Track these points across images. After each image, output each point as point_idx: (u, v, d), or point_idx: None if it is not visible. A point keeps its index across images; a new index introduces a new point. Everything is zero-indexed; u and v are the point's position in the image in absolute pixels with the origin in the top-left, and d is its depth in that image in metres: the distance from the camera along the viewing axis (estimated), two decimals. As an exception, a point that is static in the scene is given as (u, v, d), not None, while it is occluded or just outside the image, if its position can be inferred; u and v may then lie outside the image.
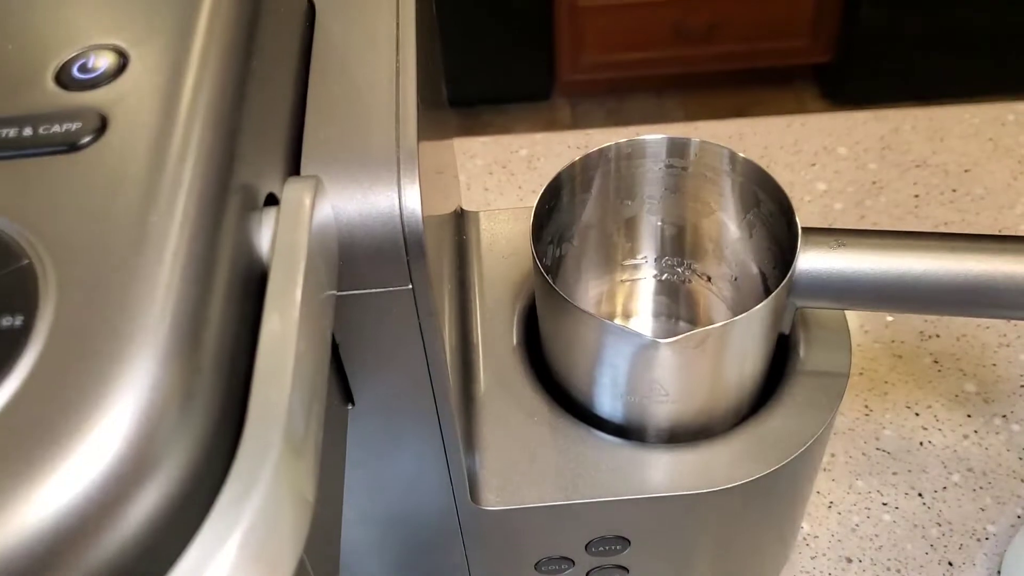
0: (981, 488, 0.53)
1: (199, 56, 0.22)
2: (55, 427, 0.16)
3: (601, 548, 0.39)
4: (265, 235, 0.22)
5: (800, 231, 0.35)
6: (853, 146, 0.72)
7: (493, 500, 0.36)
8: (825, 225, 0.60)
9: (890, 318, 0.60)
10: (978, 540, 0.51)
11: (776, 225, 0.38)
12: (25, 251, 0.18)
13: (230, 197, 0.21)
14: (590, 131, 0.78)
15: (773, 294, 0.34)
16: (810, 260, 0.35)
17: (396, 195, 0.25)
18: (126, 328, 0.17)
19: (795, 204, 0.43)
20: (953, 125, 0.74)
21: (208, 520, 0.17)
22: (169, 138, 0.20)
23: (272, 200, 0.23)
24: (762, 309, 0.34)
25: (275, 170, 0.25)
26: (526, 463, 0.37)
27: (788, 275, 0.34)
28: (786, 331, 0.39)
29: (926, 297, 0.35)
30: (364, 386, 0.30)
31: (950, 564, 0.50)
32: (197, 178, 0.20)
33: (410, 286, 0.26)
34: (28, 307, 0.17)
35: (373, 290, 0.26)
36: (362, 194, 0.25)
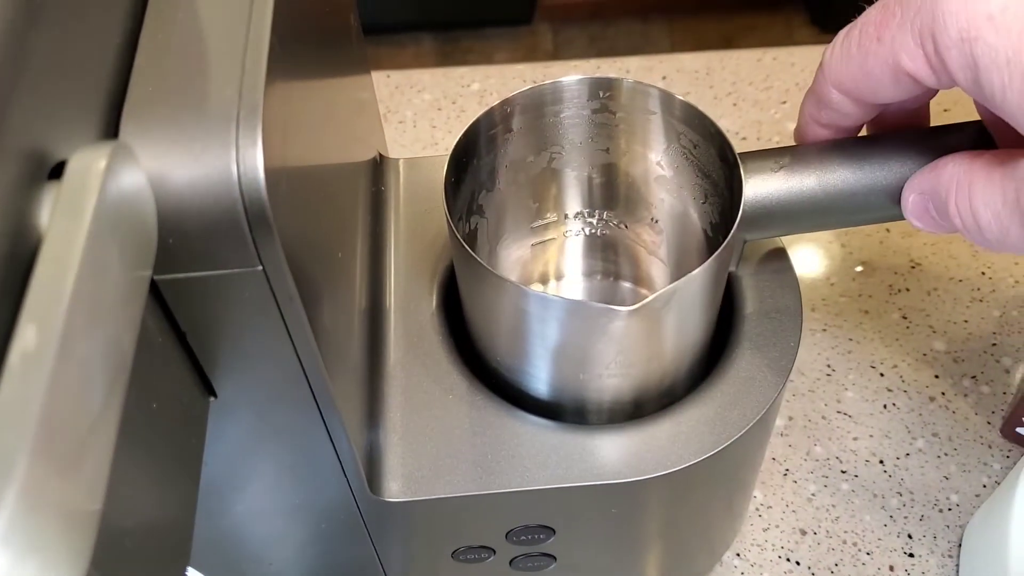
0: (946, 455, 0.49)
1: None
2: None
3: (524, 537, 0.35)
4: (46, 216, 0.18)
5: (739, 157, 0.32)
6: (828, 81, 0.67)
7: (397, 491, 0.32)
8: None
9: (859, 269, 0.56)
10: (940, 511, 0.48)
11: (703, 156, 0.34)
12: None
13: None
14: (550, 63, 0.72)
15: (732, 231, 0.30)
16: (753, 187, 0.32)
17: (233, 159, 0.21)
18: None
19: (761, 146, 0.39)
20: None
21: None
22: None
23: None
24: (724, 251, 0.30)
25: (81, 132, 0.20)
26: (438, 447, 0.34)
27: (740, 206, 0.31)
28: (734, 268, 0.36)
29: (876, 204, 0.32)
30: (226, 377, 0.26)
31: (909, 537, 0.47)
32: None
33: (260, 267, 0.22)
34: None
35: (215, 272, 0.22)
36: (193, 159, 0.21)
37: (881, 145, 0.32)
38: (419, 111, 0.67)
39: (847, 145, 0.32)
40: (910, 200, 0.31)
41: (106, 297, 0.18)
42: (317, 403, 0.27)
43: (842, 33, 0.29)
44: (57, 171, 0.19)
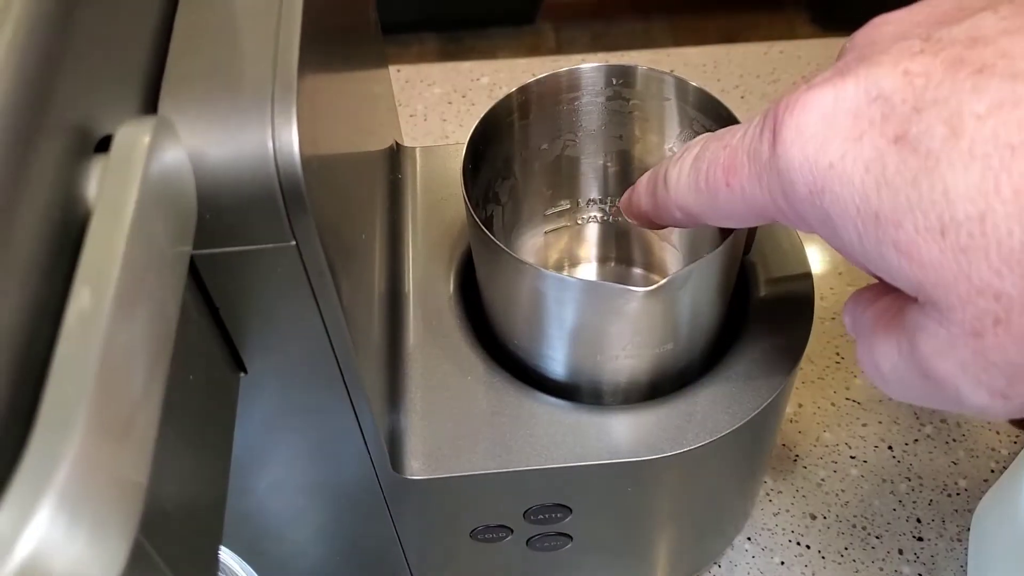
0: (954, 440, 0.50)
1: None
2: None
3: (541, 516, 0.36)
4: (93, 188, 0.18)
5: None
6: (834, 75, 0.67)
7: (418, 469, 0.33)
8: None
9: (866, 259, 0.57)
10: (948, 496, 0.48)
11: None
12: None
13: (38, 140, 0.17)
14: (558, 57, 0.73)
15: None
16: None
17: (269, 136, 0.21)
18: None
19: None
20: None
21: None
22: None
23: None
24: (738, 235, 0.31)
25: (122, 108, 0.21)
26: (457, 427, 0.34)
27: None
28: (747, 254, 0.36)
29: None
30: (256, 353, 0.26)
31: (918, 521, 0.48)
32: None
33: (293, 242, 0.23)
34: None
35: (250, 247, 0.23)
36: (230, 136, 0.21)
37: None
38: (430, 105, 0.68)
39: None
40: (844, 317, 0.28)
41: (152, 267, 0.18)
42: (344, 380, 0.28)
43: (687, 158, 0.27)
44: (103, 145, 0.19)
